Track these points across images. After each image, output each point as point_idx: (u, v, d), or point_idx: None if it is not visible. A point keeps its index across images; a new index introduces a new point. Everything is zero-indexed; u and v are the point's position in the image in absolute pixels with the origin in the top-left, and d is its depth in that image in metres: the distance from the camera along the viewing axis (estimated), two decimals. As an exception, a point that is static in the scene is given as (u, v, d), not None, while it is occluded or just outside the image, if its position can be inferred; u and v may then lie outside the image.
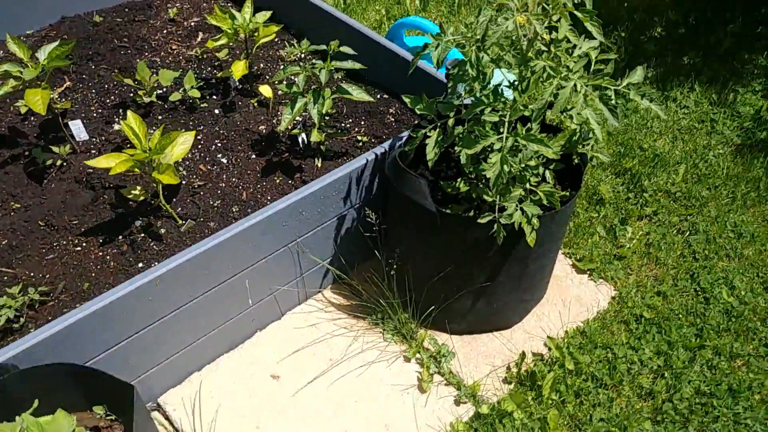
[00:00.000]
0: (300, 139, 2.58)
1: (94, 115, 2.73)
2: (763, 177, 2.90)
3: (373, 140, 2.65)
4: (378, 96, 2.85)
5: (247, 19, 2.69)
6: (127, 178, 2.43)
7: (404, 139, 2.24)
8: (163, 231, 2.27)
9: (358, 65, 2.35)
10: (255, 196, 2.43)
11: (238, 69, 2.63)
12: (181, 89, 2.72)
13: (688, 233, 2.68)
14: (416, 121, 2.65)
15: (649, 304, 2.43)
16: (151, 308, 1.93)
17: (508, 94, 1.95)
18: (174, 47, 3.16)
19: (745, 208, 2.77)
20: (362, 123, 2.73)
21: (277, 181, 2.49)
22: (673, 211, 2.76)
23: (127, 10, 3.33)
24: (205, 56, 3.05)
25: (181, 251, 1.98)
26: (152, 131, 2.65)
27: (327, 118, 2.75)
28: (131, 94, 2.79)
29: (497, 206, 1.87)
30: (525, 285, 2.23)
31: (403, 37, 3.21)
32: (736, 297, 2.44)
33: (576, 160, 2.05)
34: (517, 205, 1.89)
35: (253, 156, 2.58)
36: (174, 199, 2.40)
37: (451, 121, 2.00)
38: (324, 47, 2.35)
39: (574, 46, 1.81)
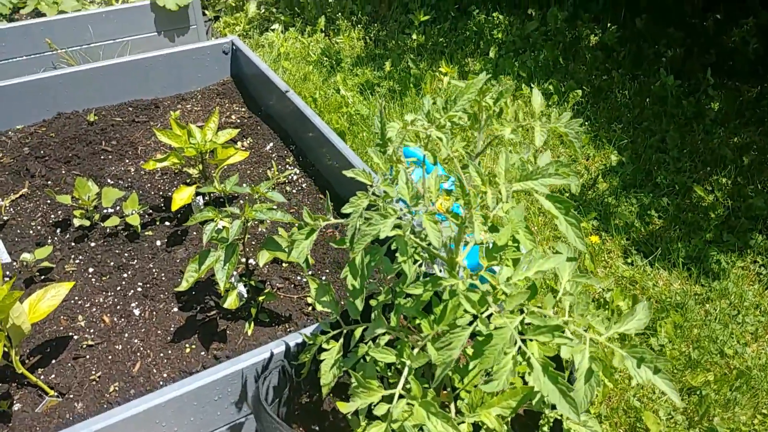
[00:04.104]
0: (237, 293, 2.00)
1: (31, 232, 2.34)
2: None
3: (326, 307, 2.02)
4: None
5: (209, 137, 2.22)
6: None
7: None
8: (17, 407, 1.76)
9: (288, 217, 1.76)
10: (149, 370, 1.86)
11: (181, 197, 2.14)
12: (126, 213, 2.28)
13: None
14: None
15: None
16: None
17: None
18: (159, 156, 2.77)
19: None
20: (323, 279, 2.12)
21: (188, 350, 1.91)
22: (756, 472, 1.82)
23: (130, 109, 3.03)
24: (182, 171, 2.62)
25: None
26: (79, 260, 2.21)
27: (285, 264, 2.17)
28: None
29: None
30: None
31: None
32: None
33: (546, 429, 1.27)
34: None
35: (175, 309, 2.04)
36: (54, 360, 1.90)
37: (358, 331, 1.33)
38: (247, 190, 1.80)
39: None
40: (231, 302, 1.83)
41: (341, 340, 1.34)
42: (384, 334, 1.19)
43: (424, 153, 1.12)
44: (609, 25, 3.76)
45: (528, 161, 1.18)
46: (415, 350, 1.10)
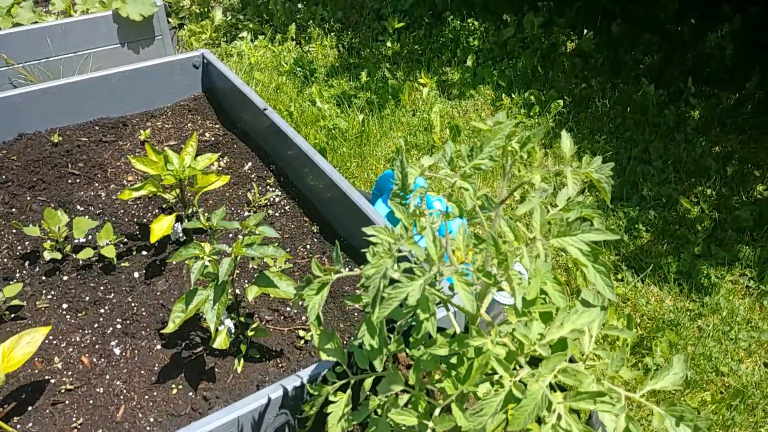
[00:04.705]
0: (227, 332, 1.89)
1: (-3, 265, 2.20)
2: None
3: (319, 340, 1.93)
4: (347, 268, 2.15)
5: (188, 162, 2.11)
6: None
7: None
8: (-10, 461, 1.63)
9: (281, 252, 1.67)
10: (134, 415, 1.75)
11: (160, 228, 2.03)
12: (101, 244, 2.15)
13: None
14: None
15: None
16: None
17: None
18: (130, 178, 2.64)
19: None
20: (314, 310, 2.03)
21: (174, 391, 1.81)
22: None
23: (97, 128, 2.89)
24: (157, 195, 2.50)
25: None
26: (51, 296, 2.08)
27: (272, 295, 2.08)
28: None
29: None
30: None
31: (388, 191, 2.53)
32: None
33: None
34: None
35: (158, 346, 1.93)
36: (30, 407, 1.77)
37: (368, 382, 1.25)
38: (237, 226, 1.70)
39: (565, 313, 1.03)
40: (221, 342, 1.73)
41: (349, 391, 1.27)
42: (402, 392, 1.11)
43: (449, 204, 1.05)
44: (585, 31, 3.76)
45: (549, 203, 1.12)
46: (437, 410, 1.03)
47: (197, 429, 1.48)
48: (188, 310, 1.66)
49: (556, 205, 1.19)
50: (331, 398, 1.26)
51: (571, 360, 1.02)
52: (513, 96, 3.34)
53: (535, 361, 1.12)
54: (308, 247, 2.26)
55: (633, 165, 2.91)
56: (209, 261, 1.68)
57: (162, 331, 1.80)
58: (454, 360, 1.10)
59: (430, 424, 1.01)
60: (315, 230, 2.32)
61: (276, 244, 2.23)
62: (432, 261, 1.00)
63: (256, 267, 2.17)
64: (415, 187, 1.12)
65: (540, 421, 1.18)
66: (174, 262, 2.18)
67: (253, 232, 1.71)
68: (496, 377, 1.02)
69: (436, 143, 3.05)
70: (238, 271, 2.15)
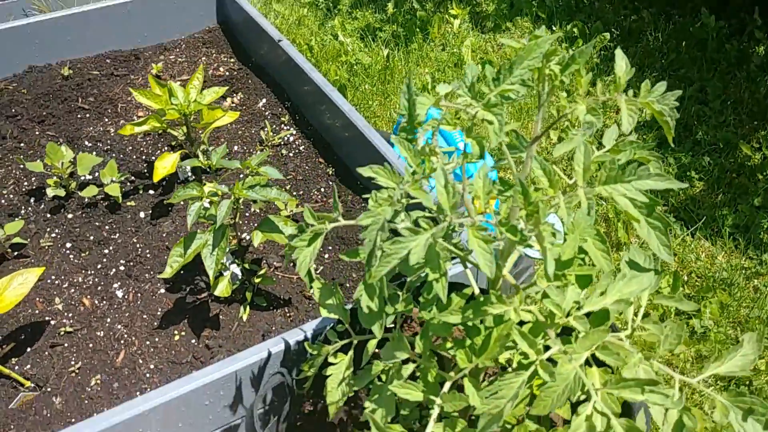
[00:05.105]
0: (229, 279, 1.79)
1: (3, 201, 2.13)
2: None
3: (329, 289, 1.82)
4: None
5: (193, 96, 1.97)
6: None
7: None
8: (-13, 403, 1.58)
9: (285, 196, 1.54)
10: (134, 360, 1.68)
11: (164, 166, 1.92)
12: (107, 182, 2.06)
13: None
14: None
15: None
16: None
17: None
18: (141, 114, 2.52)
19: None
20: (325, 256, 1.92)
21: (176, 338, 1.73)
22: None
23: (108, 61, 2.76)
24: (167, 132, 2.38)
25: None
26: (55, 234, 2.00)
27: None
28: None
29: None
30: None
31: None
32: None
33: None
34: None
35: (162, 290, 1.84)
36: (29, 348, 1.72)
37: (372, 344, 1.13)
38: (237, 165, 1.57)
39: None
40: (222, 289, 1.63)
41: (351, 352, 1.15)
42: (407, 361, 0.99)
43: (467, 140, 0.88)
44: (633, -41, 3.43)
45: (592, 142, 0.95)
46: (447, 385, 0.90)
47: (193, 381, 1.40)
48: (187, 255, 1.56)
49: (603, 146, 1.02)
50: (331, 359, 1.15)
51: (612, 329, 0.87)
52: (554, 29, 3.09)
53: (566, 331, 0.98)
54: (322, 190, 2.13)
55: (687, 105, 2.65)
56: (210, 203, 1.56)
57: (160, 276, 1.71)
58: (470, 323, 0.96)
59: (438, 400, 0.89)
60: (330, 172, 2.19)
61: (288, 186, 2.11)
62: (443, 211, 0.85)
63: (265, 210, 2.06)
64: (427, 118, 0.95)
65: (573, 405, 1.04)
66: (180, 202, 2.08)
67: (257, 173, 1.58)
68: (519, 346, 0.88)
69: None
70: (247, 214, 2.04)
